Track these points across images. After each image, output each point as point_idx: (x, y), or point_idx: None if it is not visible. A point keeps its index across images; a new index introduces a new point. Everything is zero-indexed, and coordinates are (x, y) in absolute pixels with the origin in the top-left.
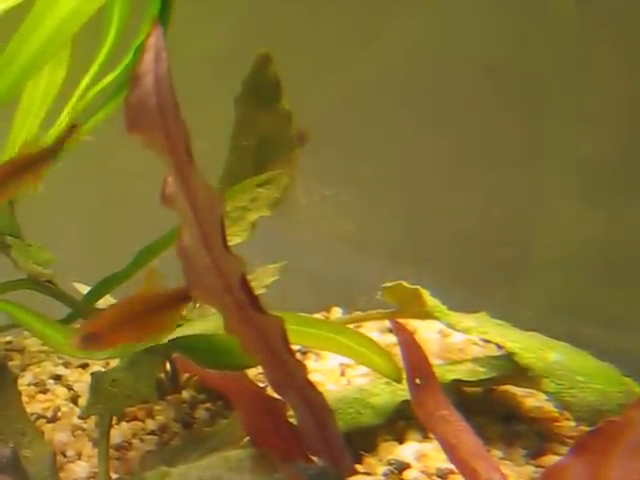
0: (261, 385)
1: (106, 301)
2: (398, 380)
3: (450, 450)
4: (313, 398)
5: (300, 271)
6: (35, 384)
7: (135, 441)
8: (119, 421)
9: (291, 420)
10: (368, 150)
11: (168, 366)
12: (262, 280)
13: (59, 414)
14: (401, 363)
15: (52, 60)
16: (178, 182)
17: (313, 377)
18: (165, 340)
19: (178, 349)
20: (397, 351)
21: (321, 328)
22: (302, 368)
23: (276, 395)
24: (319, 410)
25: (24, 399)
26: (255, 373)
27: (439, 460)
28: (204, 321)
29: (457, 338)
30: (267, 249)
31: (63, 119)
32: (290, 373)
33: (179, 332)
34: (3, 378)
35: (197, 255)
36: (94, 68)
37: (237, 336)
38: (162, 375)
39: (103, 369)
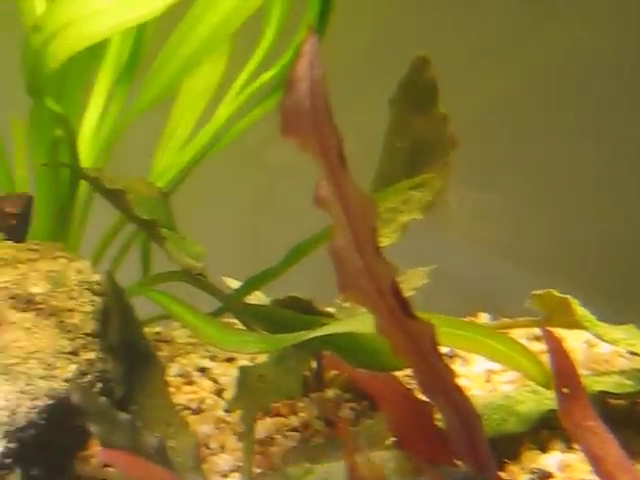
0: (409, 387)
1: (256, 297)
2: (547, 386)
3: (595, 462)
4: (461, 403)
5: (448, 275)
6: (181, 375)
7: (278, 437)
8: (263, 416)
9: (438, 424)
10: (521, 155)
11: (314, 364)
12: (411, 283)
13: (204, 406)
14: (549, 371)
15: (211, 57)
16: (331, 186)
17: (459, 382)
18: (314, 336)
19: (326, 346)
20: (544, 359)
21: (471, 331)
22: (450, 373)
23: (424, 398)
24: (466, 415)
25: (170, 390)
26: (402, 375)
27: (582, 471)
28: (351, 320)
29: (604, 349)
30: (416, 252)
31: (220, 115)
32: (439, 377)
33: (326, 330)
34: (152, 368)
35: (349, 257)
36: (252, 65)
37: (387, 338)
38: (307, 372)
39: (249, 363)
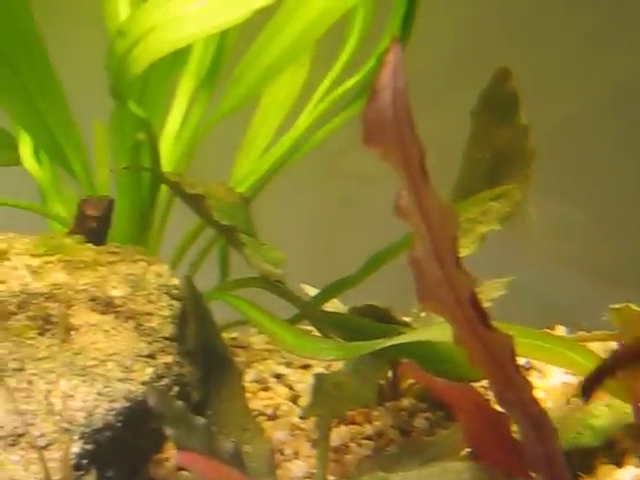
0: (485, 398)
1: (333, 304)
2: (621, 398)
3: None
4: (537, 415)
5: (526, 287)
6: (257, 381)
7: (352, 445)
8: (338, 424)
9: (514, 436)
10: (600, 168)
11: (389, 372)
12: (489, 294)
13: (279, 412)
14: None
15: (293, 64)
16: (411, 196)
17: (536, 394)
18: (389, 344)
19: (403, 355)
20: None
21: (549, 342)
22: (527, 384)
23: (500, 409)
24: (542, 427)
25: (247, 395)
26: (478, 386)
27: None
28: (429, 329)
29: None
30: (494, 263)
31: (301, 123)
32: (516, 389)
33: (403, 338)
34: (229, 373)
35: (429, 268)
36: (334, 72)
37: (465, 349)
38: (382, 381)
39: (325, 371)
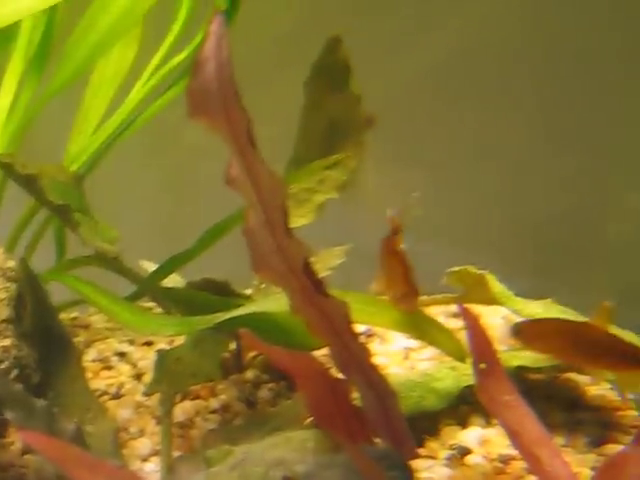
0: (326, 366)
1: (172, 279)
2: (462, 359)
3: (513, 436)
4: (377, 381)
5: (366, 254)
6: (99, 360)
7: (198, 419)
8: (182, 399)
9: (355, 402)
10: (436, 134)
11: (232, 345)
12: (327, 262)
13: (123, 391)
14: (466, 347)
15: (122, 39)
16: (241, 166)
17: (377, 360)
18: (230, 317)
19: (243, 327)
20: (462, 336)
21: (384, 307)
22: (366, 351)
23: (341, 376)
24: (383, 393)
25: (88, 375)
26: (319, 354)
27: (501, 446)
28: (266, 300)
29: None
30: (333, 231)
31: (132, 98)
32: (354, 355)
33: (241, 311)
34: (68, 354)
35: (261, 238)
36: (165, 47)
37: (302, 317)
38: (226, 354)
39: (168, 347)
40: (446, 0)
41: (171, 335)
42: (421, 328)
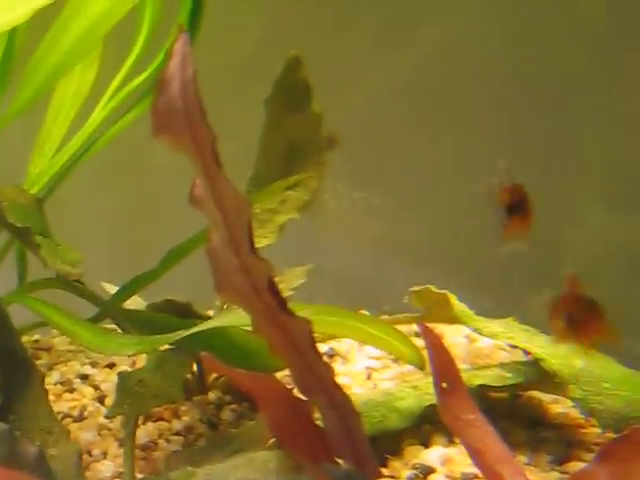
0: (288, 387)
1: (133, 301)
2: (422, 367)
3: (476, 455)
4: (339, 401)
5: (328, 274)
6: (62, 383)
7: (161, 441)
8: (145, 421)
9: (317, 422)
10: (397, 153)
11: (195, 367)
12: (290, 282)
13: (85, 413)
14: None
15: (83, 60)
16: (206, 185)
17: (340, 380)
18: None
19: (205, 348)
20: (424, 355)
21: (345, 317)
22: (329, 370)
23: (303, 397)
24: (345, 413)
25: (51, 398)
26: (282, 375)
27: (464, 465)
28: (228, 315)
29: (484, 343)
30: (295, 252)
31: (94, 119)
32: (317, 375)
33: (199, 328)
34: (30, 376)
35: (225, 257)
36: (125, 68)
37: (264, 337)
38: (189, 376)
39: (130, 369)
40: (408, 21)
41: (132, 354)
42: (379, 336)
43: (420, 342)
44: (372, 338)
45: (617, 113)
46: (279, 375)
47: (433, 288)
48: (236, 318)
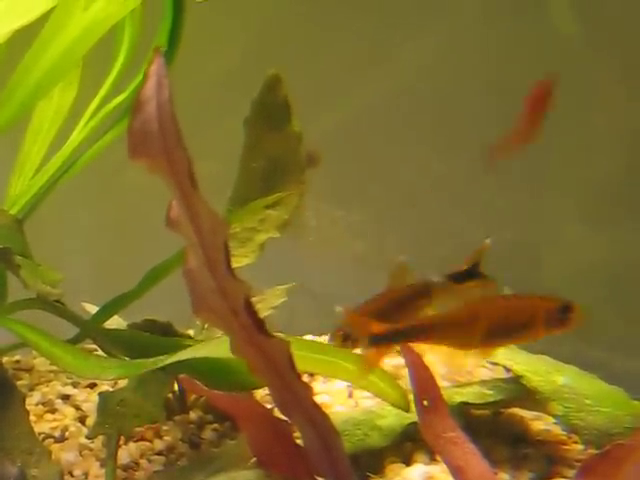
0: (268, 406)
1: (114, 321)
2: (405, 409)
3: (457, 472)
4: (319, 420)
5: (309, 292)
6: (43, 404)
7: (143, 461)
8: (127, 441)
9: (298, 441)
10: (378, 171)
11: (176, 387)
12: (270, 301)
13: (67, 434)
14: (409, 386)
15: (63, 80)
16: (182, 207)
17: (320, 399)
18: (172, 361)
19: (185, 369)
20: (405, 373)
21: (327, 354)
22: (308, 390)
23: (283, 416)
24: (325, 432)
25: (32, 418)
26: (262, 394)
27: None
28: (208, 344)
29: None
30: (276, 270)
31: (73, 140)
32: (296, 395)
33: (182, 355)
34: (11, 397)
35: (202, 278)
36: (105, 88)
37: (243, 357)
38: (170, 395)
39: (111, 389)
40: (389, 39)
41: (113, 379)
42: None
43: (401, 360)
44: (355, 377)
45: (597, 129)
46: (259, 394)
47: None
48: (216, 347)
